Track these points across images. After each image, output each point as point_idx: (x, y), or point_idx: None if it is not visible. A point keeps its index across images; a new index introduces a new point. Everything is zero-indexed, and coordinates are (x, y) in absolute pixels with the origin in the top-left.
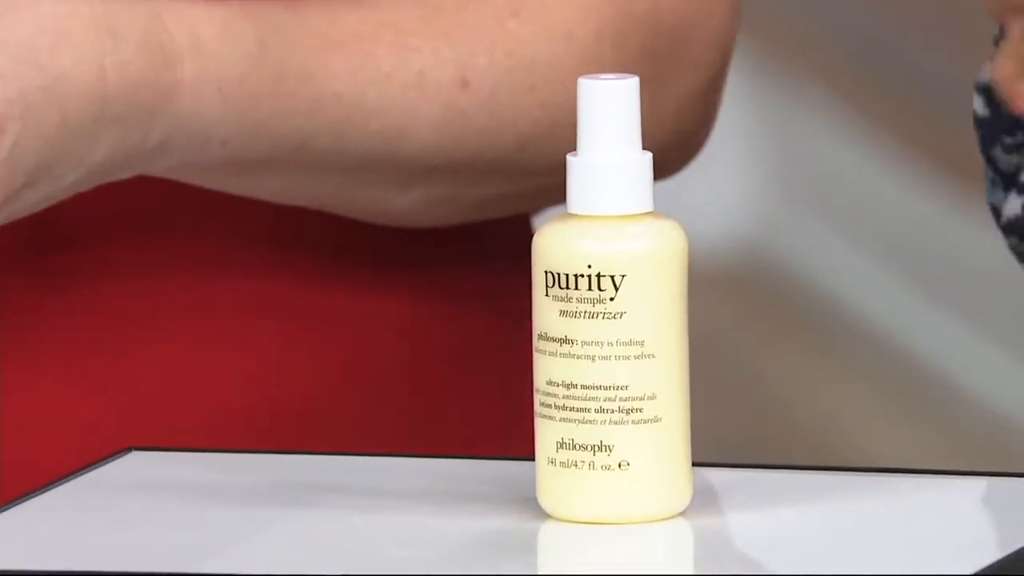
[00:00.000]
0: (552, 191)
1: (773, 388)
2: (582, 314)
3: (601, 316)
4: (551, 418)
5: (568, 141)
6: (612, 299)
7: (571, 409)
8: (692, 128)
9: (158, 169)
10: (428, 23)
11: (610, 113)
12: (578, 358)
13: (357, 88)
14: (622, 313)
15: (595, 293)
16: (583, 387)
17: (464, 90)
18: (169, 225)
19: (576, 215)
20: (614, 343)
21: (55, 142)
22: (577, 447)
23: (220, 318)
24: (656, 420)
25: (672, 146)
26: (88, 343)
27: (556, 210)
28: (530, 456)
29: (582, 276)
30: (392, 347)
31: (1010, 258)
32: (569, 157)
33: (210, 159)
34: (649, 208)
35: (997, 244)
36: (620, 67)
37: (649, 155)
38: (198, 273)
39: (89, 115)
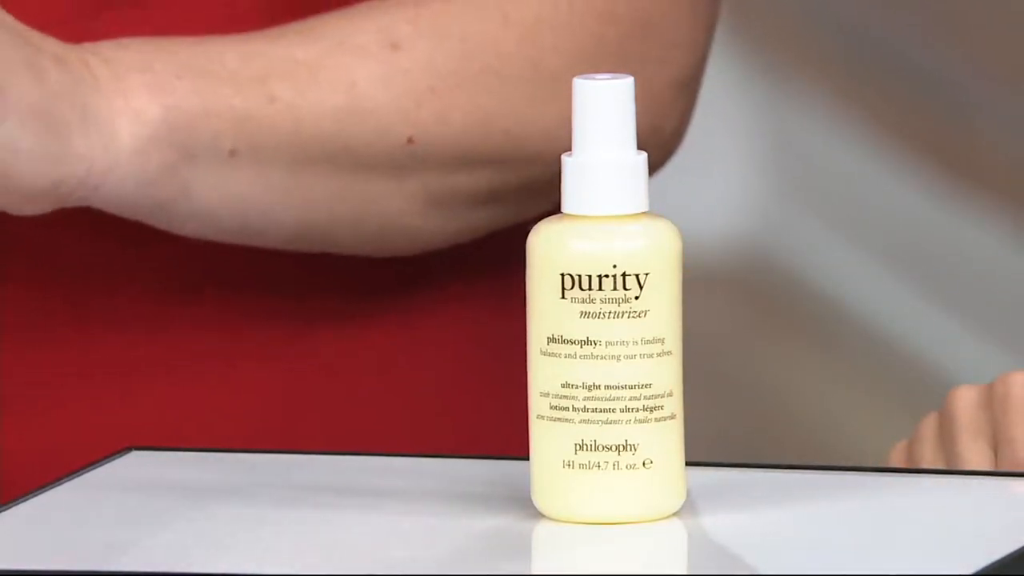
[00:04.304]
0: (542, 191)
1: (772, 387)
2: (606, 314)
3: (626, 315)
4: (568, 421)
5: (539, 126)
6: (637, 298)
7: (593, 410)
8: (666, 127)
9: (188, 109)
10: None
11: (606, 113)
12: (602, 359)
13: (278, 48)
14: (646, 311)
15: (620, 293)
16: (607, 387)
17: (396, 52)
18: (169, 276)
19: (576, 216)
20: (639, 342)
21: None
22: (601, 448)
23: (218, 359)
24: (673, 417)
25: (644, 144)
26: (90, 345)
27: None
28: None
29: (607, 276)
30: (381, 374)
31: (1011, 256)
32: (564, 157)
33: (216, 90)
34: (647, 207)
35: (997, 242)
36: (567, 54)
37: (645, 155)
38: (193, 320)
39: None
